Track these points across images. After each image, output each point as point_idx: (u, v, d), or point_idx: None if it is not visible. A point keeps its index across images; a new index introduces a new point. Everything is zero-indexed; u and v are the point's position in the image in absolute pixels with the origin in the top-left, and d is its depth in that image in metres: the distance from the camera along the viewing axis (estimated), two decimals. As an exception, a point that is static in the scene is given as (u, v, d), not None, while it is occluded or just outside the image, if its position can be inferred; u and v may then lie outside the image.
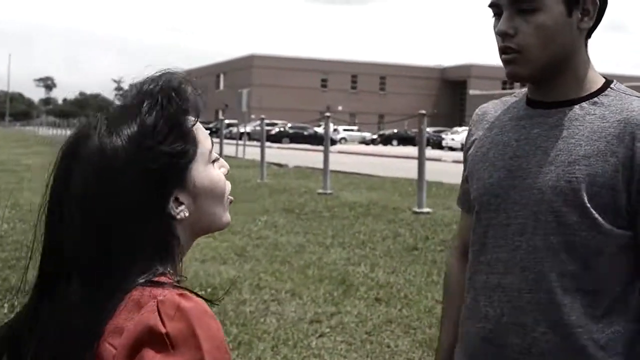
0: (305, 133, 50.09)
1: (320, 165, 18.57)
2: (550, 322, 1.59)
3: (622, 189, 1.55)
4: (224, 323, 5.36)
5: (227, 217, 1.35)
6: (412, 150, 41.36)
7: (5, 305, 5.80)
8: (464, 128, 57.41)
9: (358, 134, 64.73)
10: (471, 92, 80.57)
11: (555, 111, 1.64)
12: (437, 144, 52.79)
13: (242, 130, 59.44)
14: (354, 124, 71.35)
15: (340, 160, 27.03)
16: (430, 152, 40.86)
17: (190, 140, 1.26)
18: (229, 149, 25.22)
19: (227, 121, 67.20)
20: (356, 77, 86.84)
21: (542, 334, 1.59)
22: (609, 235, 1.57)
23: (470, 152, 1.80)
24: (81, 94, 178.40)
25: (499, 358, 1.66)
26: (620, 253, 1.59)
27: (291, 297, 6.16)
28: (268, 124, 57.22)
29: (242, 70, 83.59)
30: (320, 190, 13.13)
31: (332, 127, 61.22)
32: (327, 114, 14.00)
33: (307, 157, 28.66)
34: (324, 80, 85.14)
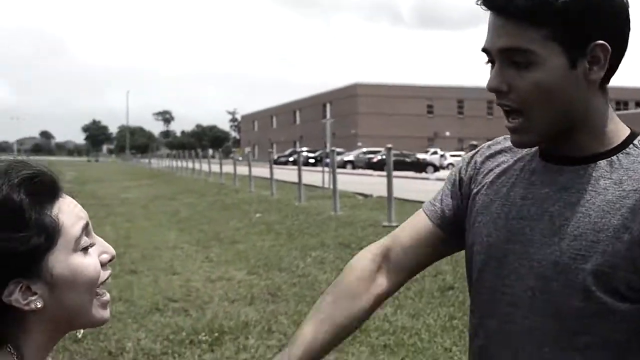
0: (408, 160, 49.59)
1: (410, 195, 18.23)
2: None
3: (639, 270, 1.32)
4: (211, 372, 5.19)
5: (99, 312, 1.26)
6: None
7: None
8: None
9: (466, 159, 63.62)
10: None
11: (568, 169, 1.43)
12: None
13: (345, 158, 59.79)
14: (461, 150, 70.14)
15: (434, 188, 26.61)
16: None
17: (45, 230, 1.18)
18: (315, 177, 25.13)
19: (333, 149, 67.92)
20: (462, 102, 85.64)
21: None
22: (619, 321, 1.34)
23: (478, 189, 1.58)
24: (198, 126, 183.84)
25: None
26: (629, 337, 1.35)
27: (297, 342, 5.91)
28: (370, 152, 57.71)
29: (347, 99, 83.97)
30: (385, 223, 12.80)
31: (439, 152, 60.75)
32: (389, 145, 13.59)
33: (401, 185, 28.33)
34: (429, 107, 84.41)
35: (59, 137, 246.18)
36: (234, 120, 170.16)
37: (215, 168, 33.69)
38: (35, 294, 1.18)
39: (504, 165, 1.56)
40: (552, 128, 1.40)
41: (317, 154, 61.63)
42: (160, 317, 6.84)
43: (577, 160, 1.43)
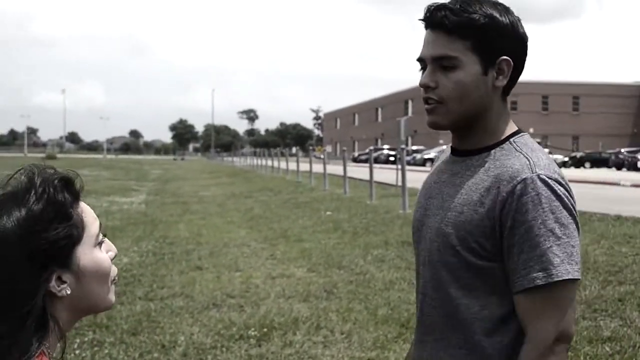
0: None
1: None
2: (443, 343, 1.85)
3: (489, 236, 1.73)
4: (254, 366, 5.36)
5: (110, 299, 1.47)
6: (601, 174, 39.29)
7: (86, 339, 6.15)
8: (663, 148, 53.78)
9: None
10: (675, 108, 75.34)
11: (462, 159, 1.87)
12: (633, 165, 49.66)
13: (425, 156, 59.39)
14: (546, 147, 68.77)
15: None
16: (614, 174, 38.72)
17: (76, 225, 1.40)
18: (391, 175, 25.09)
19: (414, 147, 67.50)
20: (547, 98, 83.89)
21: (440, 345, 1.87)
22: (478, 272, 1.76)
23: None
24: (281, 124, 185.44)
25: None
26: (489, 288, 1.76)
27: (343, 339, 6.04)
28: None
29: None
30: (451, 222, 12.75)
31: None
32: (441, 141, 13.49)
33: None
34: (513, 103, 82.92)
35: (147, 136, 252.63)
36: (317, 118, 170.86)
37: (295, 166, 33.99)
38: (65, 282, 1.39)
39: (435, 165, 2.05)
40: (460, 118, 1.82)
41: (397, 151, 61.34)
42: (216, 312, 7.07)
43: (471, 153, 1.86)
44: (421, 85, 1.84)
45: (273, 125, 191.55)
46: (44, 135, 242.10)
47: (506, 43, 1.79)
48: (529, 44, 1.85)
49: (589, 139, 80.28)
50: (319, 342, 5.95)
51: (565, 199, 1.71)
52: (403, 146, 17.86)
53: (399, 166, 23.24)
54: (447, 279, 1.81)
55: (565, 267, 1.67)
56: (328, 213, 15.97)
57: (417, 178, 15.65)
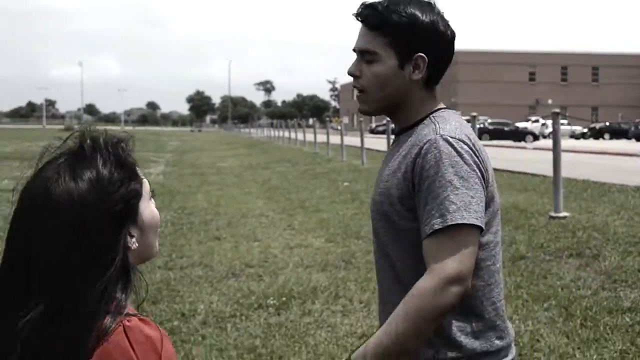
0: (506, 129, 48.52)
1: (507, 165, 18.01)
2: (391, 307, 1.92)
3: (406, 197, 1.91)
4: (274, 336, 5.39)
5: (157, 246, 1.58)
6: (620, 145, 38.95)
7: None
8: (684, 119, 53.22)
9: (568, 127, 61.71)
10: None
11: (396, 138, 2.09)
12: (650, 137, 49.17)
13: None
14: (565, 117, 68.24)
15: (528, 157, 25.98)
16: (634, 146, 38.27)
17: (138, 182, 1.51)
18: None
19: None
20: (566, 69, 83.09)
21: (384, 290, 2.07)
22: (407, 234, 1.92)
23: None
24: (298, 95, 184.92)
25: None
26: (415, 248, 1.87)
27: (361, 308, 6.06)
28: (467, 121, 56.87)
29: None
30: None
31: (540, 121, 59.27)
32: (443, 105, 13.38)
33: (497, 154, 27.71)
34: (532, 74, 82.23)
35: (165, 108, 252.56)
36: (334, 89, 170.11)
37: (312, 137, 33.95)
38: (134, 236, 1.48)
39: None
40: (381, 105, 2.04)
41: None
42: (235, 281, 7.11)
43: (401, 131, 2.06)
44: (348, 73, 2.05)
45: (290, 97, 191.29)
46: (62, 107, 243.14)
47: (423, 41, 1.96)
48: (455, 39, 2.02)
49: (608, 110, 79.64)
50: (338, 311, 5.97)
51: (467, 155, 1.86)
52: (361, 119, 17.70)
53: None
54: (385, 244, 1.99)
55: (461, 214, 1.80)
56: (345, 184, 15.96)
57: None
